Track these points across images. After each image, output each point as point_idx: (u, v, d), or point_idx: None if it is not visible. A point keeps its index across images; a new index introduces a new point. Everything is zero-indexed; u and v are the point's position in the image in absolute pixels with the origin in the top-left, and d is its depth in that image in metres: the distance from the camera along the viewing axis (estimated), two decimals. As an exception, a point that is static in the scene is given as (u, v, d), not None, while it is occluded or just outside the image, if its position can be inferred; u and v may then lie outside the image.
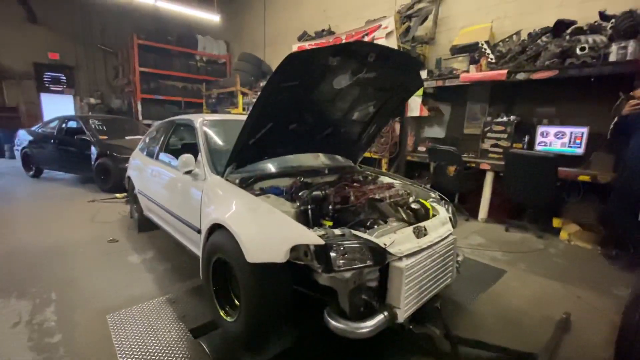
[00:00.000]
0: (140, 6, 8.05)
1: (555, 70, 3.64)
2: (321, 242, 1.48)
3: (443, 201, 2.40)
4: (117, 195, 5.04)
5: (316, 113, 2.25)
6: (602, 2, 3.89)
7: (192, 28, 10.58)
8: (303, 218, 1.85)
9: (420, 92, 4.89)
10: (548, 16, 4.26)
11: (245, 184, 2.10)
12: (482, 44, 4.40)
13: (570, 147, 4.00)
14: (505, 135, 4.51)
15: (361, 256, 1.54)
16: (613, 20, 3.56)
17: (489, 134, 4.69)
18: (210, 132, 2.59)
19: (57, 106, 10.31)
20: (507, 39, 4.52)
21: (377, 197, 2.06)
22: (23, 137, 6.72)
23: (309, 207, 1.86)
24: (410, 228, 1.83)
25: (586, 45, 3.48)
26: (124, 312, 2.10)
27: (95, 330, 1.94)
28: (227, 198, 1.94)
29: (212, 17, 8.16)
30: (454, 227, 2.14)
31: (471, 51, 4.62)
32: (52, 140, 6.05)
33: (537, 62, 3.92)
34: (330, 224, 1.85)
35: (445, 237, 1.97)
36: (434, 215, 2.11)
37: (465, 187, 4.43)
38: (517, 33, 4.44)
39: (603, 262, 3.18)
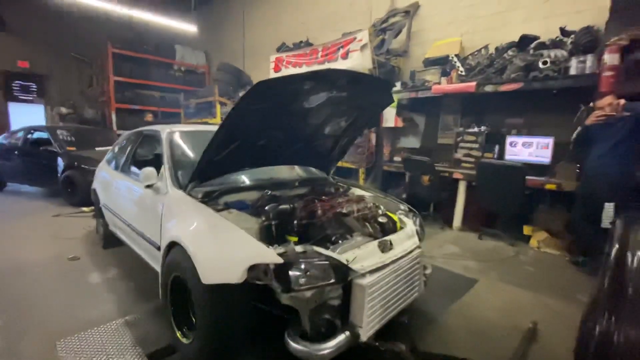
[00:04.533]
0: (114, 15, 7.88)
1: (521, 82, 3.78)
2: (280, 260, 1.43)
3: (412, 213, 2.40)
4: (84, 208, 4.81)
5: (287, 129, 2.21)
6: (564, 18, 4.10)
7: (170, 38, 10.45)
8: (266, 234, 1.80)
9: (394, 103, 4.96)
10: (514, 31, 4.44)
11: (209, 199, 2.03)
12: (453, 57, 4.53)
13: (537, 156, 4.14)
14: (477, 145, 4.62)
15: (322, 274, 1.50)
16: (572, 36, 3.75)
17: (461, 144, 4.79)
18: (177, 143, 2.51)
19: (27, 116, 9.85)
20: (476, 53, 4.67)
21: (344, 211, 2.03)
22: (-15, 148, 6.37)
23: (273, 222, 1.81)
24: (376, 242, 1.81)
25: (548, 60, 3.64)
26: (76, 338, 1.97)
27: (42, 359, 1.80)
28: (187, 214, 1.87)
29: (189, 28, 8.08)
30: (421, 239, 2.14)
31: (442, 64, 4.75)
32: (16, 152, 5.76)
33: (503, 75, 4.07)
34: (295, 239, 1.80)
35: (412, 251, 1.96)
36: (401, 228, 2.11)
37: (439, 197, 4.49)
38: (485, 47, 4.60)
39: (570, 268, 3.27)
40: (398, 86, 4.95)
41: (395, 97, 4.95)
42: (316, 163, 2.94)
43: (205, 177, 2.06)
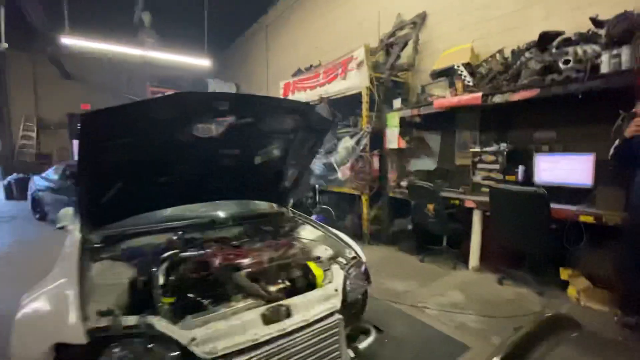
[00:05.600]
0: (150, 58, 8.68)
1: (536, 89, 3.04)
2: (81, 341, 1.09)
3: (355, 261, 1.89)
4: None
5: (195, 163, 1.92)
6: (595, 7, 3.29)
7: (205, 74, 11.21)
8: (136, 293, 1.48)
9: (396, 122, 4.44)
10: (534, 30, 3.69)
11: (106, 244, 1.80)
12: (458, 67, 3.92)
13: (575, 179, 3.25)
14: (497, 167, 3.85)
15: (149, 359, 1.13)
16: (605, 27, 2.94)
17: (479, 165, 4.04)
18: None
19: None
20: (489, 59, 3.99)
21: (246, 262, 1.63)
22: (36, 181, 7.19)
23: (141, 278, 1.50)
24: (261, 309, 1.37)
25: (570, 58, 2.88)
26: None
27: None
28: (56, 265, 1.64)
29: (203, 62, 8.68)
30: (345, 301, 1.62)
31: (450, 75, 4.14)
32: (52, 185, 6.37)
33: (518, 81, 3.35)
34: (171, 300, 1.45)
35: (323, 318, 1.47)
36: (323, 286, 1.63)
37: (447, 229, 3.76)
38: (500, 51, 3.91)
39: (619, 334, 2.35)
40: (398, 104, 4.43)
41: (396, 115, 4.45)
42: (270, 196, 2.58)
43: (99, 221, 1.84)
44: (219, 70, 11.77)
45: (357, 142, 4.72)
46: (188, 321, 1.28)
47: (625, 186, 2.71)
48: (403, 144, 4.43)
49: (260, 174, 2.28)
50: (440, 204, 3.65)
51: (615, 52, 2.63)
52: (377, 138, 4.75)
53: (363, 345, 1.65)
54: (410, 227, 4.21)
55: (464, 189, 4.19)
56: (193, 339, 1.18)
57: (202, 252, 1.69)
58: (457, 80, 3.83)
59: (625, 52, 2.56)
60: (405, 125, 4.59)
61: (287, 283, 1.61)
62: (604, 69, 2.69)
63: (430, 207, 3.77)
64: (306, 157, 2.35)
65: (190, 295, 1.47)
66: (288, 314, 1.41)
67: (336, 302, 1.55)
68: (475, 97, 3.43)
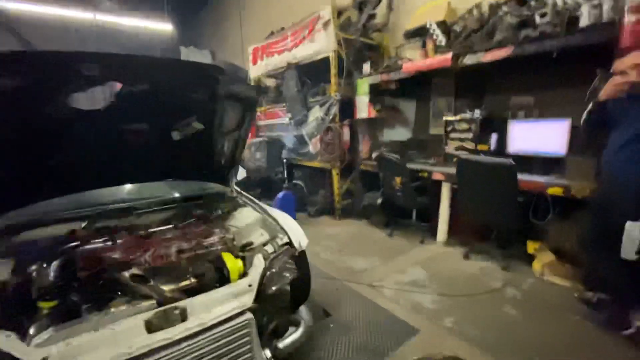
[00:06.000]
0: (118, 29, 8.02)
1: (510, 47, 2.72)
2: None
3: (284, 248, 1.68)
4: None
5: (91, 141, 1.64)
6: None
7: (174, 42, 10.46)
8: (15, 294, 1.27)
9: (366, 89, 4.11)
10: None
11: (7, 234, 1.57)
12: (431, 25, 3.53)
13: (550, 147, 3.04)
14: (471, 135, 3.60)
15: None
16: (590, -28, 2.58)
17: (452, 134, 3.79)
18: None
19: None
20: (466, 15, 3.60)
21: (134, 259, 1.41)
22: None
23: (18, 280, 1.28)
24: (146, 315, 1.17)
25: (547, 10, 2.54)
26: None
27: None
28: None
29: (164, 27, 8.03)
30: (266, 294, 1.43)
31: (422, 35, 3.76)
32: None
33: (493, 39, 3.01)
34: (51, 304, 1.25)
35: (230, 319, 1.28)
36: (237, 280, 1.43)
37: (416, 203, 3.57)
38: (478, 5, 3.51)
39: (577, 313, 2.24)
40: (367, 69, 4.07)
41: (366, 81, 4.10)
42: (206, 176, 2.33)
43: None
44: (193, 37, 11.01)
45: (327, 112, 4.39)
46: (47, 334, 1.08)
47: (592, 155, 2.51)
48: (374, 113, 4.12)
49: (187, 151, 2.01)
50: (407, 177, 3.43)
51: (595, 1, 2.30)
52: (349, 107, 4.44)
53: (285, 342, 1.48)
54: (379, 201, 4.02)
55: (437, 160, 3.98)
56: (45, 357, 0.99)
57: (97, 246, 1.46)
58: (429, 41, 3.47)
59: (607, 1, 2.23)
60: (377, 93, 4.26)
61: (193, 280, 1.41)
62: (584, 22, 2.37)
63: (398, 180, 3.56)
64: (235, 131, 2.07)
65: (74, 298, 1.27)
66: (183, 318, 1.22)
67: (247, 300, 1.36)
68: (445, 58, 3.10)
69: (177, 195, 2.17)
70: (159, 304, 1.25)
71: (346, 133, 4.45)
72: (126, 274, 1.31)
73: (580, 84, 2.71)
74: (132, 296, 1.27)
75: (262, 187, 5.18)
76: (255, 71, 6.08)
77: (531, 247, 2.99)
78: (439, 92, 4.18)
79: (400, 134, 4.69)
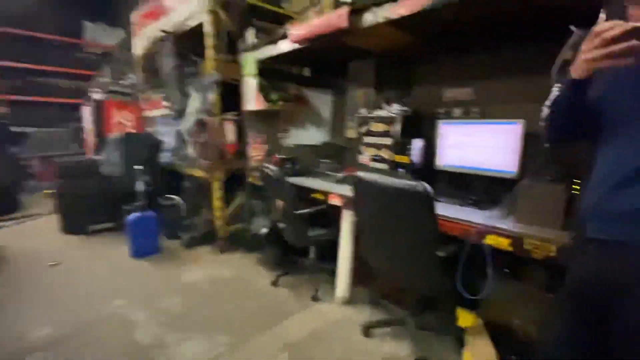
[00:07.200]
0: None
1: (429, -7, 1.61)
2: None
3: None
4: None
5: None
6: None
7: (79, 14, 8.59)
8: None
9: (252, 69, 2.86)
10: None
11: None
12: (334, -28, 2.38)
13: (495, 161, 1.98)
14: (390, 141, 2.48)
15: None
16: None
17: (367, 139, 2.66)
18: None
19: None
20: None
21: None
22: None
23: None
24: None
25: None
26: None
27: None
28: None
29: None
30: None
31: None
32: None
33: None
34: None
35: None
36: None
37: (306, 239, 2.36)
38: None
39: None
40: (251, 38, 2.83)
41: (251, 57, 2.87)
42: None
43: None
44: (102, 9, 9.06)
45: (203, 100, 3.09)
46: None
47: (571, 180, 1.44)
48: (262, 104, 2.87)
49: None
50: (290, 200, 2.22)
51: None
52: (238, 96, 3.16)
53: None
54: (263, 231, 2.78)
55: (346, 175, 2.81)
56: None
57: None
58: (327, -7, 2.30)
59: None
60: (274, 76, 3.03)
61: None
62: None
63: (280, 204, 2.33)
64: None
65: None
66: None
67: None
68: (339, 16, 1.92)
69: None
70: None
71: (231, 131, 3.16)
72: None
73: (541, 70, 1.61)
74: None
75: (123, 203, 3.62)
76: (139, 46, 4.63)
77: (463, 319, 1.89)
78: (357, 81, 3.04)
79: (312, 135, 3.49)
